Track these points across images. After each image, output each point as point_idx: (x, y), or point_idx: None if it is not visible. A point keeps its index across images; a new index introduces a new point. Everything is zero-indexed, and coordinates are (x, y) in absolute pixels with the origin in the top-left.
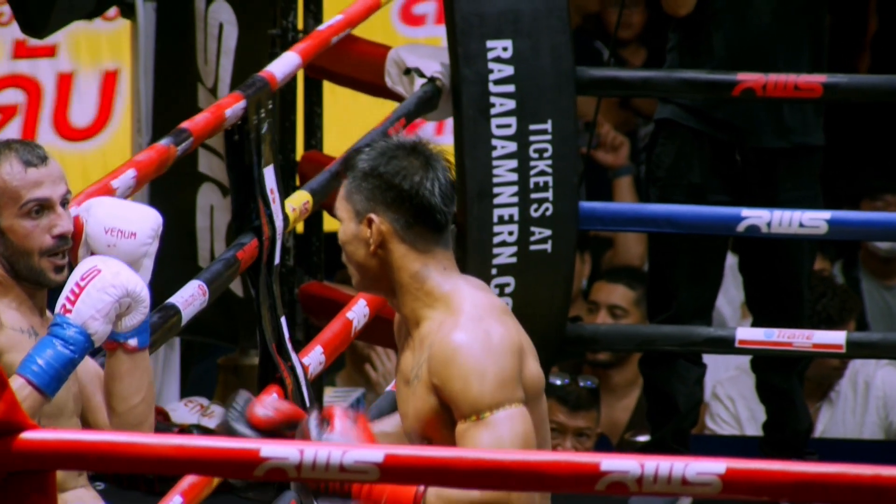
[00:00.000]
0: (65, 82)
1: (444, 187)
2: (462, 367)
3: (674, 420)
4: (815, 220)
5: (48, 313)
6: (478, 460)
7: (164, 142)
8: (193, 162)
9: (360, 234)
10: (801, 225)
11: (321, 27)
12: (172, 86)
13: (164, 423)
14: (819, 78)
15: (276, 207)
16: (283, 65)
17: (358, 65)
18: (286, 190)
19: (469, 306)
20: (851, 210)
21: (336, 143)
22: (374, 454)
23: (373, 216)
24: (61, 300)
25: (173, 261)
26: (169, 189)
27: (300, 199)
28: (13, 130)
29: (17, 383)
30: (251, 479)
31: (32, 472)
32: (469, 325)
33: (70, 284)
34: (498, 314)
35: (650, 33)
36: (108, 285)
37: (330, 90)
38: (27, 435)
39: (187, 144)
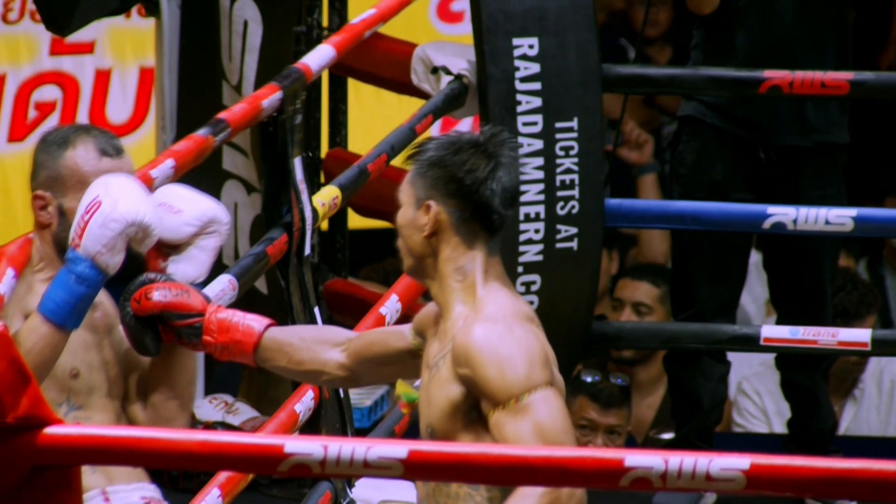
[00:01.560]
0: (102, 79)
1: (506, 189)
2: (493, 354)
3: (698, 418)
4: (841, 217)
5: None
6: (502, 456)
7: (201, 132)
8: (217, 159)
9: (417, 220)
10: (827, 222)
11: (354, 21)
12: (197, 83)
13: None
14: (846, 75)
15: (304, 198)
16: (318, 57)
17: (383, 62)
18: (311, 188)
19: (495, 308)
20: (877, 208)
21: (360, 140)
22: (398, 450)
23: (431, 203)
24: (72, 232)
25: None
26: (193, 186)
27: (329, 195)
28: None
29: (36, 320)
30: (275, 475)
31: (57, 466)
32: (490, 320)
33: (77, 215)
34: (522, 319)
35: (676, 31)
36: (108, 219)
37: (354, 88)
38: (51, 430)
39: (225, 135)
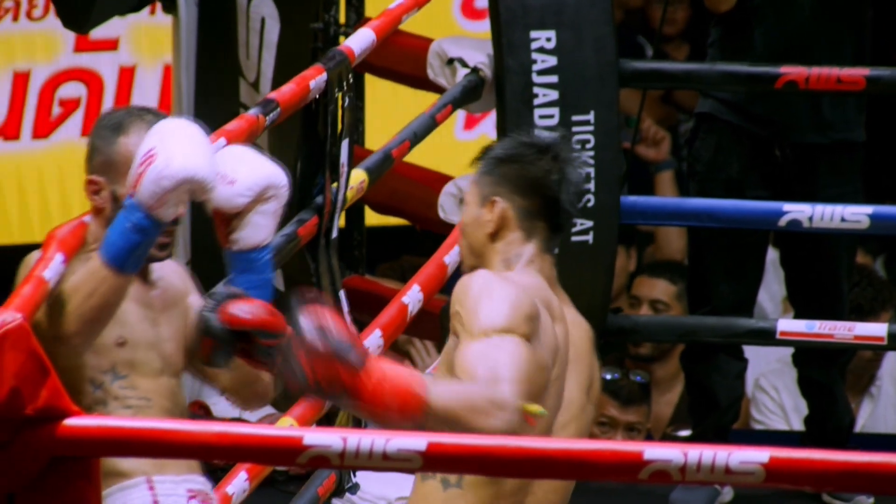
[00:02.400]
0: (126, 76)
1: (572, 193)
2: (480, 291)
3: (714, 415)
4: (856, 214)
5: (153, 276)
6: (521, 448)
7: (252, 111)
8: None
9: (481, 217)
10: (842, 219)
11: (391, 6)
12: (214, 80)
13: (205, 416)
14: (862, 71)
15: (342, 182)
16: (360, 40)
17: (400, 57)
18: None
19: (510, 275)
20: (894, 205)
21: (377, 137)
22: (418, 442)
23: (497, 199)
24: (129, 178)
25: (214, 253)
26: None
27: (357, 178)
28: (74, 124)
29: (96, 264)
30: (294, 466)
31: (76, 458)
32: (493, 273)
33: (134, 163)
34: (531, 291)
35: (694, 29)
36: (160, 176)
37: (371, 84)
38: (71, 421)
39: (275, 115)
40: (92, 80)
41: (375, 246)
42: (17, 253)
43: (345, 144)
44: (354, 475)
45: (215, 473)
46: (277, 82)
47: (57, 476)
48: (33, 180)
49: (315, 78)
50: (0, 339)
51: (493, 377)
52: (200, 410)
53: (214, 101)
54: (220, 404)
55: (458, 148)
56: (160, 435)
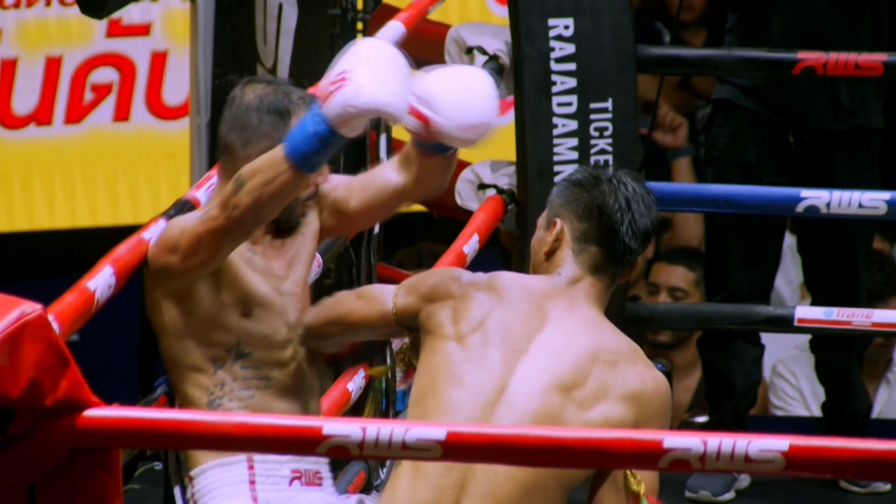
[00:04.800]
0: (158, 61)
1: (637, 226)
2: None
3: (732, 401)
4: (874, 200)
5: (279, 243)
6: (541, 437)
7: None
8: None
9: (543, 239)
10: (860, 206)
11: None
12: (231, 67)
13: None
14: (880, 57)
15: None
16: (390, 33)
17: (417, 43)
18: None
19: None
20: None
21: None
22: (437, 432)
23: (558, 221)
24: (324, 87)
25: None
26: None
27: None
28: (107, 108)
29: (277, 155)
30: (313, 456)
31: (96, 448)
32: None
33: (326, 79)
34: (497, 289)
35: (711, 15)
36: (348, 103)
37: None
38: (90, 412)
39: None
40: (124, 66)
41: (392, 232)
42: (52, 238)
43: (383, 139)
44: (383, 470)
45: None
46: (295, 69)
47: (78, 467)
48: (65, 165)
49: None
50: (20, 329)
51: None
52: None
53: (232, 88)
54: None
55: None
56: (180, 426)
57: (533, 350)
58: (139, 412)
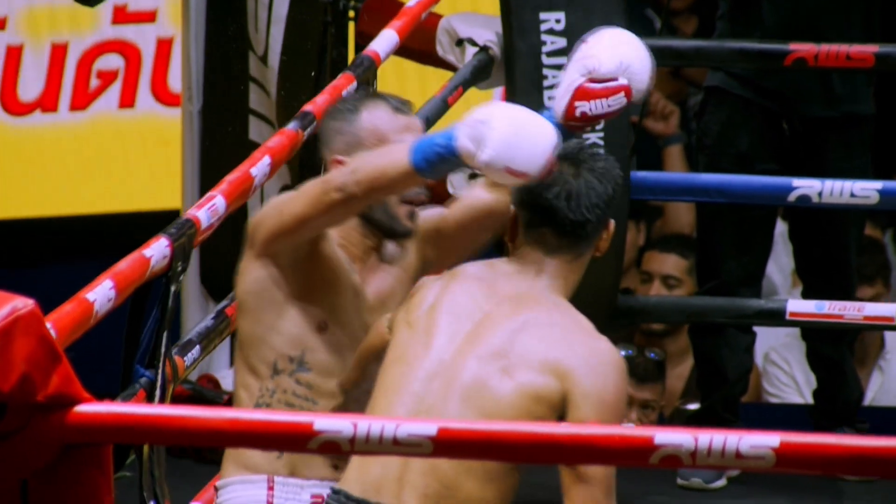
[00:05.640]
0: (164, 48)
1: (580, 199)
2: None
3: (723, 388)
4: (866, 189)
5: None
6: (532, 434)
7: (291, 126)
8: (244, 130)
9: (505, 226)
10: (852, 195)
11: (410, 3)
12: (223, 54)
13: (214, 389)
14: (871, 48)
15: None
16: (384, 43)
17: (409, 33)
18: None
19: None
20: None
21: None
22: (428, 427)
23: (512, 206)
24: (468, 116)
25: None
26: (218, 157)
27: None
28: (112, 95)
29: (400, 146)
30: (305, 452)
31: (88, 444)
32: None
33: (474, 116)
34: (454, 274)
35: (702, 2)
36: (489, 161)
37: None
38: (82, 408)
39: (312, 128)
40: (130, 52)
41: None
42: (56, 225)
43: None
44: None
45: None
46: (286, 56)
47: (69, 463)
48: (71, 152)
49: (346, 87)
50: (11, 324)
51: None
52: (209, 384)
53: (223, 75)
54: (228, 378)
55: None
56: (171, 421)
57: (476, 327)
58: (131, 408)
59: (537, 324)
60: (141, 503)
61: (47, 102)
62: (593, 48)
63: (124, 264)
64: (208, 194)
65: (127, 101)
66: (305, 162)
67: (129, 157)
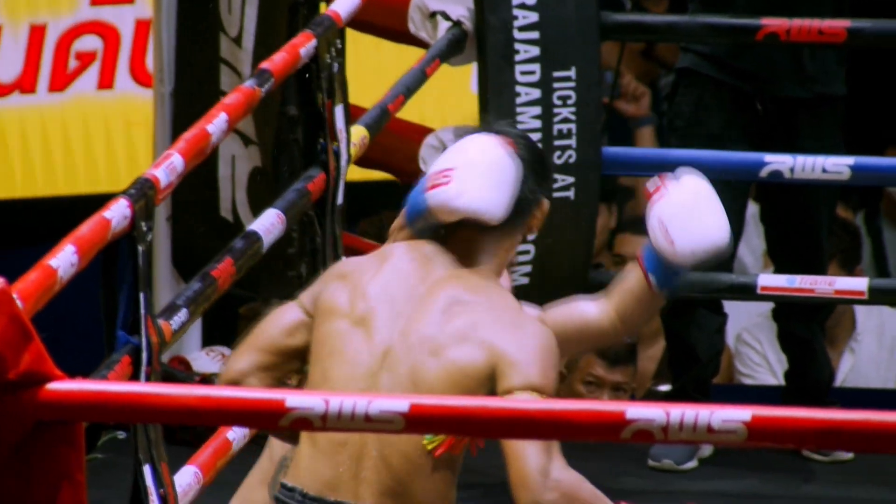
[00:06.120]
0: (142, 29)
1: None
2: None
3: (695, 369)
4: (838, 165)
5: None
6: (503, 409)
7: (248, 84)
8: None
9: None
10: (824, 171)
11: None
12: (195, 35)
13: (185, 371)
14: (843, 23)
15: (342, 146)
16: (346, 3)
17: (380, 11)
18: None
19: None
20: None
21: (358, 92)
22: (400, 404)
23: None
24: (429, 176)
25: (196, 208)
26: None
27: (358, 134)
28: (90, 77)
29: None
30: (276, 430)
31: (60, 422)
32: None
33: (436, 166)
34: (374, 255)
35: None
36: (447, 203)
37: (352, 40)
38: (53, 385)
39: (270, 85)
40: (108, 34)
41: (356, 201)
42: (37, 206)
43: (339, 110)
44: None
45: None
46: (260, 37)
47: (40, 441)
48: (49, 133)
49: (305, 45)
50: None
51: None
52: (181, 365)
53: (195, 56)
54: (200, 359)
55: (474, 100)
56: (142, 398)
57: (412, 314)
58: (102, 385)
59: (466, 302)
60: (136, 464)
61: (26, 84)
62: (675, 227)
63: (85, 228)
64: (165, 153)
65: (105, 82)
66: (281, 141)
67: (108, 138)
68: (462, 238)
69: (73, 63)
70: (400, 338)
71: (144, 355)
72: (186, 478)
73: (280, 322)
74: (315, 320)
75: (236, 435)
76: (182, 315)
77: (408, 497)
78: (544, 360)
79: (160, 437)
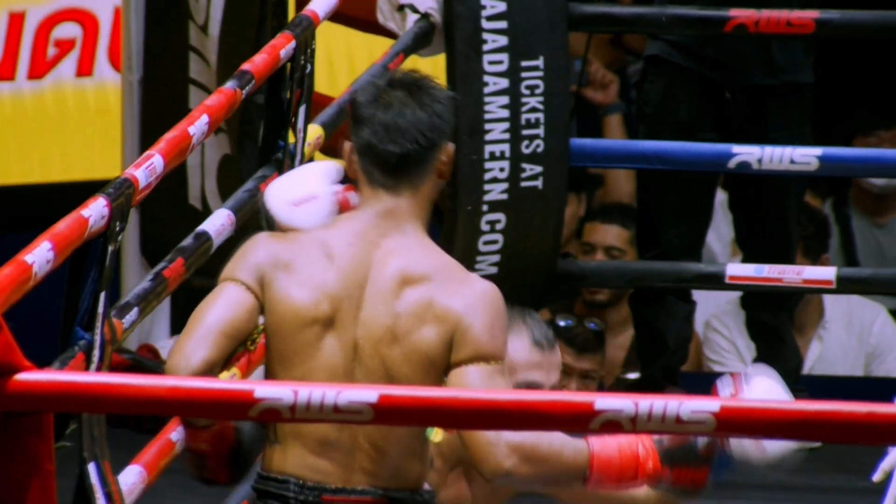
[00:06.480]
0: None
1: (394, 128)
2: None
3: (663, 357)
4: (806, 156)
5: None
6: (472, 400)
7: (229, 85)
8: (184, 100)
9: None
10: (792, 161)
11: None
12: (163, 23)
13: (153, 360)
14: (811, 14)
15: (299, 143)
16: (323, 2)
17: (350, 1)
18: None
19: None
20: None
21: (327, 81)
22: (369, 394)
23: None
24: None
25: (165, 196)
26: (159, 127)
27: (313, 134)
28: (70, 64)
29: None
30: (246, 419)
31: (28, 413)
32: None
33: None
34: (303, 237)
35: None
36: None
37: (320, 28)
38: (22, 376)
39: (251, 87)
40: (87, 21)
41: None
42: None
43: (302, 110)
44: None
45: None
46: (227, 25)
47: (9, 432)
48: (28, 120)
49: (285, 47)
50: None
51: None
52: (149, 353)
53: (163, 44)
54: (168, 348)
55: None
56: (111, 389)
57: (366, 298)
58: (71, 376)
59: (412, 277)
60: (80, 463)
61: (5, 71)
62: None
63: (63, 225)
64: (146, 153)
65: (84, 69)
66: (246, 130)
67: (86, 125)
68: (382, 204)
69: (52, 50)
70: (364, 330)
71: (97, 353)
72: (131, 477)
73: (233, 306)
74: (272, 316)
75: (180, 436)
76: (133, 314)
77: (401, 478)
78: (491, 319)
79: (104, 435)
